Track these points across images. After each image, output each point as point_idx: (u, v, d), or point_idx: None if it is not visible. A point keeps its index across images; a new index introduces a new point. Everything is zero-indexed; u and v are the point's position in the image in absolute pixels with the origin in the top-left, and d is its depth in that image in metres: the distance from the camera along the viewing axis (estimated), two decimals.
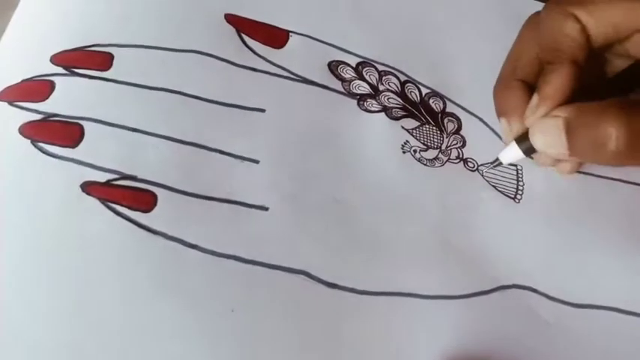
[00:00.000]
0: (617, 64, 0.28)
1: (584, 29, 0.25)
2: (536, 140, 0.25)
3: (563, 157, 0.26)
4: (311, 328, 0.23)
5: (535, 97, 0.26)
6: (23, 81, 0.27)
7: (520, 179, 0.29)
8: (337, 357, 0.23)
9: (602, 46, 0.26)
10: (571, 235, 0.28)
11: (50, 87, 0.27)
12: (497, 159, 0.28)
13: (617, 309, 0.26)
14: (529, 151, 0.26)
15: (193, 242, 0.24)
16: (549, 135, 0.24)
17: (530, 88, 0.27)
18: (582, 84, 0.25)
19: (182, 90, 0.28)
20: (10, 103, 0.26)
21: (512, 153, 0.27)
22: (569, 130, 0.24)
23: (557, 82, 0.25)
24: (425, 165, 0.29)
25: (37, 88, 0.27)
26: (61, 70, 0.27)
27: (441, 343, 0.24)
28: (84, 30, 0.29)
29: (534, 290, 0.26)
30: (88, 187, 0.24)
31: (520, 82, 0.27)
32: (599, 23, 0.25)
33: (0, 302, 0.22)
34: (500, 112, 0.28)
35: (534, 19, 0.28)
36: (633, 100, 0.24)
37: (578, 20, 0.25)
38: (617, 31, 0.26)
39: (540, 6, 0.28)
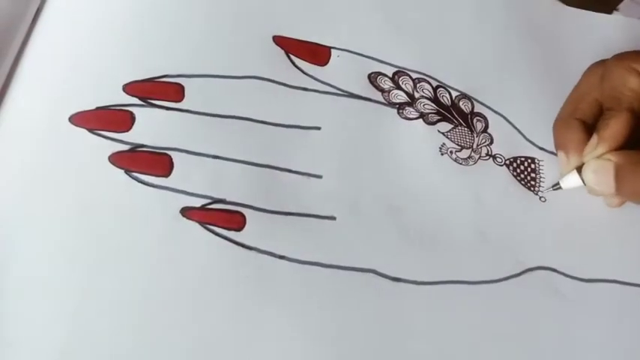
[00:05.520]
0: None
1: None
2: (588, 177, 0.29)
3: (609, 195, 0.30)
4: (382, 317, 0.28)
5: (595, 138, 0.29)
6: (98, 108, 0.29)
7: (540, 174, 0.33)
8: (408, 340, 0.27)
9: None
10: (580, 220, 0.32)
11: (130, 117, 0.29)
12: (557, 183, 0.31)
13: (617, 281, 0.31)
14: (585, 181, 0.30)
15: (282, 254, 0.28)
16: (600, 175, 0.28)
17: (588, 127, 0.30)
18: (635, 132, 0.28)
19: (249, 116, 0.30)
20: (91, 131, 0.28)
21: (572, 182, 0.31)
22: (618, 174, 0.28)
23: (615, 127, 0.28)
24: (460, 164, 0.32)
25: (118, 118, 0.29)
26: (136, 100, 0.29)
27: (489, 322, 0.28)
28: (151, 60, 0.30)
29: (554, 270, 0.30)
30: (187, 212, 0.27)
31: (579, 121, 0.31)
32: None
33: (108, 329, 0.25)
34: (560, 146, 0.31)
35: (596, 68, 0.31)
36: None
37: (639, 75, 0.29)
38: None
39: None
